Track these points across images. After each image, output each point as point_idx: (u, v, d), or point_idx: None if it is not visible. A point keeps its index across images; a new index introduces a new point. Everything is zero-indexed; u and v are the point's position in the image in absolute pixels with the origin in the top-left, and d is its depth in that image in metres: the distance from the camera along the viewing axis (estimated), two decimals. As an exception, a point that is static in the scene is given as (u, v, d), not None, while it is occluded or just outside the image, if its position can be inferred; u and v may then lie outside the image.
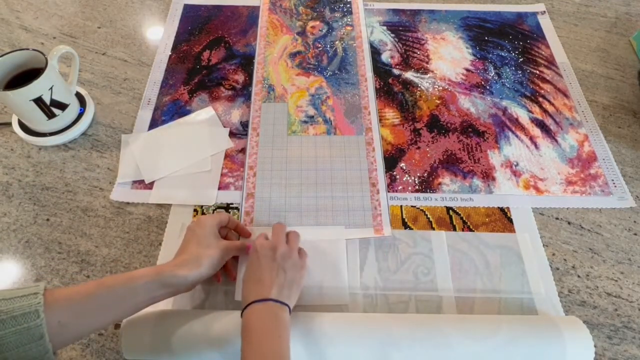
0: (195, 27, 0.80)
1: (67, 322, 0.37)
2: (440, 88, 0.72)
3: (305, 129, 0.66)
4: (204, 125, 0.66)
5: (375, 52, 0.77)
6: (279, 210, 0.58)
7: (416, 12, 0.84)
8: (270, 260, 0.46)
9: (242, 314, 0.43)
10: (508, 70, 0.75)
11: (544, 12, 0.85)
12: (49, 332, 0.35)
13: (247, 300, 0.43)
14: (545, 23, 0.83)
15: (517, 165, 0.64)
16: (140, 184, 0.60)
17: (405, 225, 0.58)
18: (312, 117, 0.68)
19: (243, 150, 0.64)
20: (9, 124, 0.65)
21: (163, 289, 0.42)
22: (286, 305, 0.43)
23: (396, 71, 0.75)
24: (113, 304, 0.40)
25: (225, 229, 0.53)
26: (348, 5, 0.84)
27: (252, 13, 0.83)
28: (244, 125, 0.67)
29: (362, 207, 0.59)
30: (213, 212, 0.58)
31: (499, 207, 0.60)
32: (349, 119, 0.68)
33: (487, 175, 0.62)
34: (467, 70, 0.75)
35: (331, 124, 0.67)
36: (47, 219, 0.57)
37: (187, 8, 0.83)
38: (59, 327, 0.36)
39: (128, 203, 0.59)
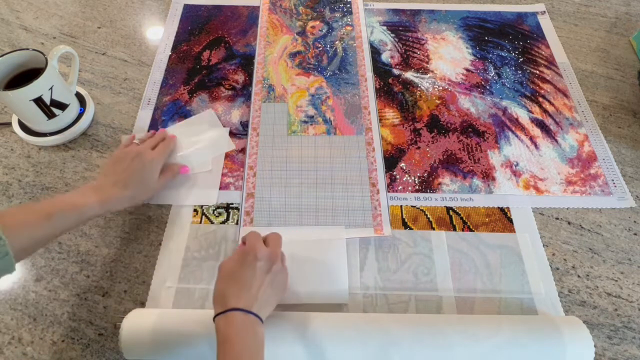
0: (195, 27, 0.80)
1: (29, 246, 0.43)
2: (440, 88, 0.72)
3: (305, 129, 0.66)
4: (205, 127, 0.66)
5: (375, 52, 0.77)
6: (279, 210, 0.58)
7: (416, 12, 0.84)
8: (264, 272, 0.44)
9: (215, 315, 0.41)
10: (508, 70, 0.75)
11: (544, 12, 0.85)
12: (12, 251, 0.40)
13: (226, 303, 0.41)
14: (545, 23, 0.83)
15: (517, 165, 0.64)
16: (140, 184, 0.60)
17: (405, 225, 0.58)
18: (312, 117, 0.68)
19: (243, 150, 0.64)
20: (9, 124, 0.65)
21: (103, 210, 0.50)
22: (261, 320, 0.41)
23: (396, 71, 0.75)
24: (65, 227, 0.47)
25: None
26: (348, 5, 0.84)
27: (252, 13, 0.83)
28: (244, 125, 0.67)
29: (362, 207, 0.59)
30: (213, 212, 0.58)
31: (499, 207, 0.60)
32: (349, 119, 0.68)
33: (487, 175, 0.62)
34: (467, 70, 0.75)
35: (331, 124, 0.67)
36: (47, 219, 0.57)
37: (187, 8, 0.83)
38: (21, 250, 0.42)
39: (128, 203, 0.59)
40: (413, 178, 0.62)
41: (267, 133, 0.66)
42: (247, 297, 0.42)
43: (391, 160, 0.64)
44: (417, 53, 0.77)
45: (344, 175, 0.62)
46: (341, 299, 0.51)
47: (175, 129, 0.65)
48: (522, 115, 0.69)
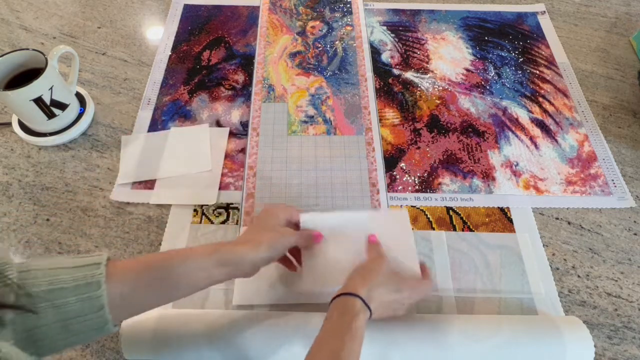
0: (195, 27, 0.80)
1: (127, 295, 0.36)
2: (440, 88, 0.72)
3: (305, 129, 0.66)
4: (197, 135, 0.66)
5: (375, 52, 0.77)
6: (279, 210, 0.58)
7: (416, 12, 0.84)
8: (393, 281, 0.43)
9: (335, 298, 0.40)
10: (508, 70, 0.75)
11: (544, 12, 0.85)
12: (109, 303, 0.35)
13: (344, 288, 0.41)
14: (545, 23, 0.83)
15: (517, 165, 0.64)
16: (140, 184, 0.60)
17: (405, 225, 0.58)
18: (312, 117, 0.68)
19: (243, 150, 0.64)
20: (9, 124, 0.65)
21: (220, 267, 0.40)
22: (370, 311, 0.40)
23: (396, 71, 0.75)
24: (169, 279, 0.38)
25: (292, 225, 0.49)
26: (348, 5, 0.84)
27: (252, 13, 0.83)
28: (244, 125, 0.67)
29: (362, 207, 0.59)
30: (213, 212, 0.58)
31: (499, 207, 0.60)
32: (349, 119, 0.68)
33: (487, 175, 0.62)
34: (467, 70, 0.75)
35: (331, 124, 0.67)
36: (47, 219, 0.57)
37: (187, 8, 0.83)
38: (120, 299, 0.36)
39: (128, 203, 0.59)
40: (413, 178, 0.62)
41: (267, 133, 0.66)
42: (362, 283, 0.41)
43: (391, 160, 0.64)
44: (417, 53, 0.77)
45: (344, 175, 0.62)
46: (414, 274, 0.50)
47: (170, 134, 0.65)
48: (522, 115, 0.69)
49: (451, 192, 0.61)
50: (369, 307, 0.40)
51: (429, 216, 0.59)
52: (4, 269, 0.33)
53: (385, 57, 0.77)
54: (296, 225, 0.50)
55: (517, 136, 0.67)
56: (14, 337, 0.32)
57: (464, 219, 0.58)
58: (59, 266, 0.35)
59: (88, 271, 0.35)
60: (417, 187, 0.61)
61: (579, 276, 0.55)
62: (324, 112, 0.69)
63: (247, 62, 0.75)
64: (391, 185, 0.61)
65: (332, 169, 0.62)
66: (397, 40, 0.79)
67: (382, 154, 0.64)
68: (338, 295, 0.40)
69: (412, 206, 0.59)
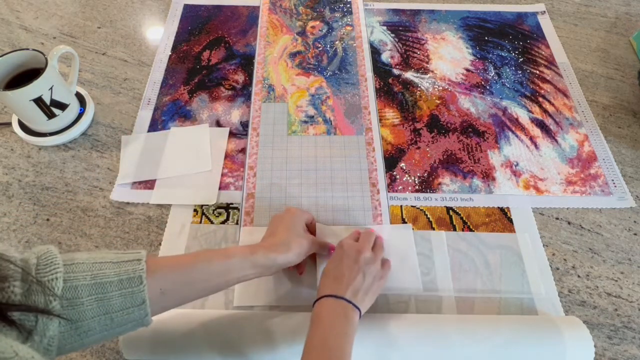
0: (195, 27, 0.80)
1: (167, 290, 0.38)
2: (440, 88, 0.72)
3: (305, 129, 0.66)
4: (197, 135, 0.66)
5: (375, 52, 0.77)
6: (279, 211, 0.58)
7: (416, 12, 0.84)
8: (352, 261, 0.47)
9: (314, 304, 0.43)
10: (508, 70, 0.75)
11: (544, 12, 0.85)
12: (150, 297, 0.36)
13: (322, 293, 0.44)
14: (545, 23, 0.83)
15: (517, 165, 0.64)
16: (140, 184, 0.60)
17: (405, 225, 0.58)
18: (312, 117, 0.68)
19: (243, 150, 0.64)
20: (9, 124, 0.65)
21: (254, 268, 0.44)
22: (358, 309, 0.43)
23: (396, 71, 0.75)
24: (209, 277, 0.41)
25: (308, 230, 0.54)
26: (348, 5, 0.84)
27: (252, 13, 0.83)
28: (244, 125, 0.67)
29: (362, 207, 0.59)
30: (213, 212, 0.58)
31: (499, 207, 0.60)
32: (349, 119, 0.68)
33: (487, 175, 0.62)
34: (467, 70, 0.75)
35: (331, 124, 0.67)
36: (47, 219, 0.57)
37: (187, 8, 0.83)
38: (160, 294, 0.38)
39: (128, 203, 0.59)
40: (413, 178, 0.62)
41: (267, 133, 0.66)
42: (336, 286, 0.44)
43: (391, 160, 0.64)
44: (417, 53, 0.77)
45: (344, 175, 0.62)
46: (416, 289, 0.52)
47: (170, 134, 0.65)
48: (522, 115, 0.69)
49: (451, 192, 0.61)
50: (357, 307, 0.43)
51: (429, 216, 0.58)
52: (51, 261, 0.34)
53: (385, 57, 0.77)
54: (312, 231, 0.54)
55: (517, 136, 0.67)
56: (59, 329, 0.33)
57: (464, 219, 0.58)
58: (102, 261, 0.36)
59: (130, 266, 0.36)
60: (417, 187, 0.61)
61: (579, 276, 0.55)
62: (324, 112, 0.69)
63: (247, 62, 0.75)
64: (391, 185, 0.61)
65: (332, 169, 0.62)
66: (397, 40, 0.79)
67: (382, 154, 0.64)
68: (322, 297, 0.43)
69: (412, 206, 0.59)
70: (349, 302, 0.43)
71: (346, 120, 0.68)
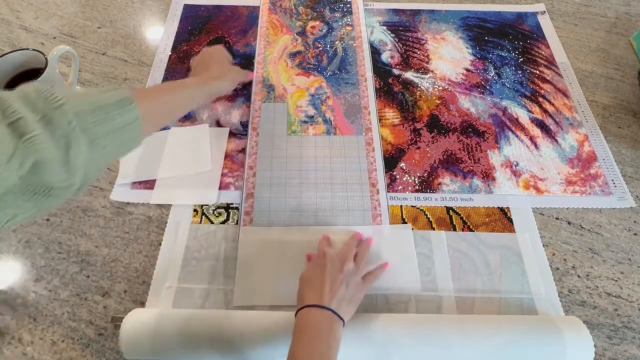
0: (195, 27, 0.80)
1: (148, 112, 0.41)
2: (440, 88, 0.72)
3: (305, 129, 0.66)
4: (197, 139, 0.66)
5: (375, 52, 0.77)
6: (279, 210, 0.58)
7: (416, 12, 0.84)
8: (337, 271, 0.47)
9: (296, 313, 0.43)
10: (508, 70, 0.75)
11: (544, 12, 0.85)
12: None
13: (305, 301, 0.43)
14: (545, 23, 0.83)
15: (517, 165, 0.64)
16: (140, 184, 0.60)
17: (405, 225, 0.58)
18: (312, 117, 0.68)
19: (243, 150, 0.64)
20: (9, 124, 0.65)
21: (203, 97, 0.54)
22: (342, 320, 0.43)
23: (396, 71, 0.75)
24: (175, 105, 0.49)
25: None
26: (348, 5, 0.84)
27: (252, 13, 0.83)
28: (244, 125, 0.67)
29: (362, 207, 0.59)
30: (213, 212, 0.58)
31: (499, 207, 0.60)
32: (349, 119, 0.68)
33: (487, 175, 0.62)
34: (467, 70, 0.75)
35: (331, 124, 0.67)
36: (47, 219, 0.57)
37: (187, 8, 0.83)
38: (144, 115, 0.40)
39: (128, 203, 0.59)
40: (413, 178, 0.62)
41: (267, 133, 0.66)
42: (320, 295, 0.44)
43: (391, 160, 0.64)
44: (417, 53, 0.77)
45: (344, 175, 0.62)
46: (415, 289, 0.52)
47: (170, 134, 0.65)
48: (522, 115, 0.69)
49: (451, 192, 0.61)
50: (341, 318, 0.43)
51: (429, 216, 0.59)
52: (52, 97, 0.34)
53: (385, 57, 0.77)
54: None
55: (517, 136, 0.67)
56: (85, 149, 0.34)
57: (464, 219, 0.58)
58: (90, 93, 0.37)
59: (116, 92, 0.38)
60: (417, 187, 0.61)
61: (579, 276, 0.55)
62: (324, 112, 0.69)
63: (247, 62, 0.75)
64: (391, 185, 0.61)
65: (332, 169, 0.62)
66: (397, 40, 0.79)
67: (382, 154, 0.64)
68: (305, 307, 0.43)
69: (412, 206, 0.59)
70: (335, 313, 0.42)
71: (346, 120, 0.68)
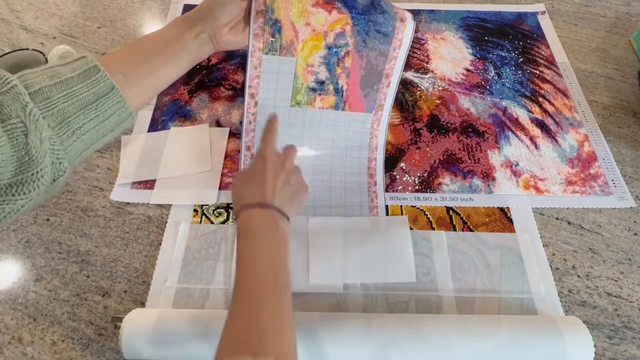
0: (195, 27, 0.79)
1: (129, 73, 0.38)
2: (440, 88, 0.72)
3: (312, 99, 0.57)
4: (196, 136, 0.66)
5: (375, 52, 0.77)
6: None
7: (416, 12, 0.84)
8: (279, 167, 0.44)
9: (236, 217, 0.40)
10: (508, 70, 0.75)
11: (544, 12, 0.85)
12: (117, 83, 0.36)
13: (243, 201, 0.41)
14: (545, 23, 0.83)
15: (517, 165, 0.64)
16: (140, 184, 0.60)
17: (405, 225, 0.58)
18: (322, 83, 0.57)
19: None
20: (9, 124, 0.65)
21: (190, 33, 0.47)
22: (286, 217, 0.40)
23: (396, 71, 0.74)
24: (166, 59, 0.44)
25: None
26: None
27: (252, 13, 0.82)
28: (244, 125, 0.66)
29: (361, 205, 0.59)
30: (213, 212, 0.58)
31: (499, 207, 0.60)
32: (364, 90, 0.59)
33: (487, 175, 0.62)
34: (467, 70, 0.75)
35: (342, 95, 0.58)
36: (47, 219, 0.57)
37: (187, 8, 0.83)
38: (123, 78, 0.37)
39: (128, 203, 0.59)
40: (413, 178, 0.62)
41: (268, 103, 0.56)
42: (262, 192, 0.41)
43: (391, 160, 0.64)
44: (417, 53, 0.77)
45: (343, 173, 0.61)
46: (410, 281, 0.52)
47: (170, 134, 0.65)
48: (522, 115, 0.69)
49: (451, 192, 0.61)
50: (284, 214, 0.41)
51: (429, 216, 0.59)
52: (1, 79, 0.31)
53: (385, 57, 0.76)
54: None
55: (517, 136, 0.67)
56: (52, 132, 0.31)
57: (464, 219, 0.58)
58: (50, 66, 0.34)
59: (79, 62, 0.35)
60: (417, 187, 0.61)
61: (579, 276, 0.55)
62: (338, 76, 0.57)
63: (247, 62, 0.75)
64: (391, 185, 0.61)
65: (331, 156, 0.61)
66: (397, 40, 0.79)
67: (382, 154, 0.64)
68: (245, 207, 0.40)
69: (412, 206, 0.59)
70: (278, 210, 0.40)
71: (360, 92, 0.59)
